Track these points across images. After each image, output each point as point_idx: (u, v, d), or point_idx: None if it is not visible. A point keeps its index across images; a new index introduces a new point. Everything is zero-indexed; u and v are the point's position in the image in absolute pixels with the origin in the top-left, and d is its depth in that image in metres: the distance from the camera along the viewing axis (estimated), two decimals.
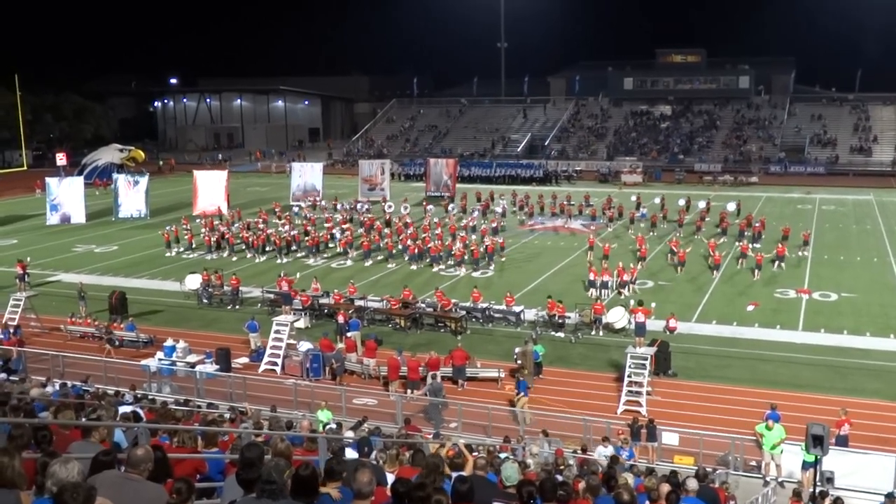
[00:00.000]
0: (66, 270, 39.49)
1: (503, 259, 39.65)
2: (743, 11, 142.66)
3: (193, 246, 42.89)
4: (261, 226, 45.39)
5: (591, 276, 33.37)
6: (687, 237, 42.79)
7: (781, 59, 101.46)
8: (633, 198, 53.36)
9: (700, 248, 39.74)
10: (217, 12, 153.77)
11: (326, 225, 46.10)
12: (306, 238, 42.57)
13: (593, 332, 28.50)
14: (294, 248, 42.15)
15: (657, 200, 52.33)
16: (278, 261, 40.28)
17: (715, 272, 35.77)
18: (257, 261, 40.65)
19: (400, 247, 40.61)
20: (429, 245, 39.36)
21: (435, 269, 37.94)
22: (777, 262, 36.87)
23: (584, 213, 51.15)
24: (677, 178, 71.85)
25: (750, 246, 39.38)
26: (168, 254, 42.44)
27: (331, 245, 42.38)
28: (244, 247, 42.41)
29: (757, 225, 42.98)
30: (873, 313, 30.75)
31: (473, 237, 42.38)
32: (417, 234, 42.61)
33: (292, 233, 43.37)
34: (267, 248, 41.83)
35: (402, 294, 30.99)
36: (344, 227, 45.32)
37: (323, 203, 55.61)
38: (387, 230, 44.42)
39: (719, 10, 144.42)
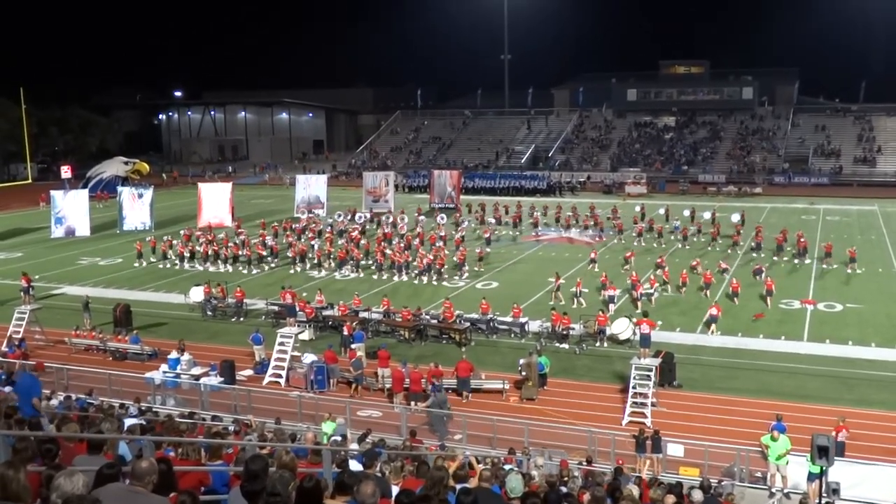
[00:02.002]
0: (71, 283, 39.57)
1: (481, 269, 40.02)
2: (746, 22, 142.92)
3: (167, 257, 43.63)
4: (241, 237, 45.94)
5: (575, 288, 33.80)
6: (722, 251, 42.62)
7: (785, 69, 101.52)
8: (638, 208, 53.46)
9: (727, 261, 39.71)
10: (221, 25, 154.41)
11: (308, 235, 46.93)
12: (289, 250, 43.29)
13: (597, 344, 28.47)
14: (272, 258, 42.92)
15: (661, 211, 52.33)
16: (245, 271, 40.91)
17: (735, 299, 33.83)
18: (224, 270, 41.09)
19: (376, 256, 41.13)
20: (395, 257, 40.05)
21: (398, 279, 38.42)
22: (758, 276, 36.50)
23: (612, 224, 50.77)
24: (681, 189, 71.83)
25: (797, 262, 39.65)
26: (136, 265, 43.04)
27: (309, 255, 42.64)
28: (215, 258, 42.93)
29: (803, 240, 41.67)
30: (879, 324, 30.66)
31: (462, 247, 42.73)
32: (400, 245, 43.21)
33: (270, 243, 44.11)
34: (250, 259, 42.42)
35: (382, 303, 31.52)
36: (325, 237, 46.05)
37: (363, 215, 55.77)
38: (364, 242, 45.05)
39: (722, 21, 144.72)
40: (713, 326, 29.72)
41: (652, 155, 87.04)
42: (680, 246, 44.88)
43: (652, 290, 34.24)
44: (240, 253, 42.63)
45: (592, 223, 51.15)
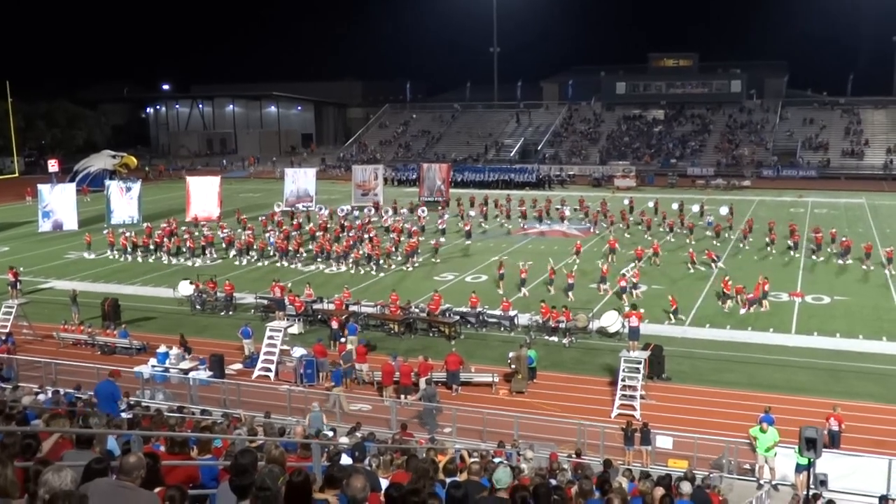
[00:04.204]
0: (59, 277, 39.36)
1: (437, 261, 40.74)
2: (735, 16, 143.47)
3: (115, 248, 44.34)
4: (205, 229, 46.29)
5: (520, 276, 34.42)
6: (760, 250, 42.45)
7: (773, 63, 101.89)
8: (626, 201, 53.56)
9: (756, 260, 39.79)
10: (209, 18, 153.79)
11: (268, 229, 47.47)
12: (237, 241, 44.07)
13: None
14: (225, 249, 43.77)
15: (651, 204, 52.44)
16: (199, 263, 41.31)
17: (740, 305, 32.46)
18: (166, 262, 42.04)
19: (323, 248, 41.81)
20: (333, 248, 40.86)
21: (338, 269, 39.27)
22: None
23: (640, 220, 49.76)
24: (670, 183, 71.98)
25: (841, 261, 39.14)
26: (89, 256, 43.90)
27: (254, 247, 43.19)
28: (154, 249, 43.73)
29: (844, 240, 40.49)
30: (866, 316, 30.84)
31: (442, 239, 43.07)
32: (350, 237, 43.78)
33: (222, 235, 45.12)
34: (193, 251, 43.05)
35: (344, 296, 31.62)
36: (282, 231, 46.69)
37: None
38: (321, 234, 45.61)
39: (711, 14, 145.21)
40: (765, 303, 31.04)
41: (641, 148, 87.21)
42: (715, 242, 44.03)
43: (635, 284, 34.06)
44: (189, 245, 43.27)
45: (619, 218, 49.52)
